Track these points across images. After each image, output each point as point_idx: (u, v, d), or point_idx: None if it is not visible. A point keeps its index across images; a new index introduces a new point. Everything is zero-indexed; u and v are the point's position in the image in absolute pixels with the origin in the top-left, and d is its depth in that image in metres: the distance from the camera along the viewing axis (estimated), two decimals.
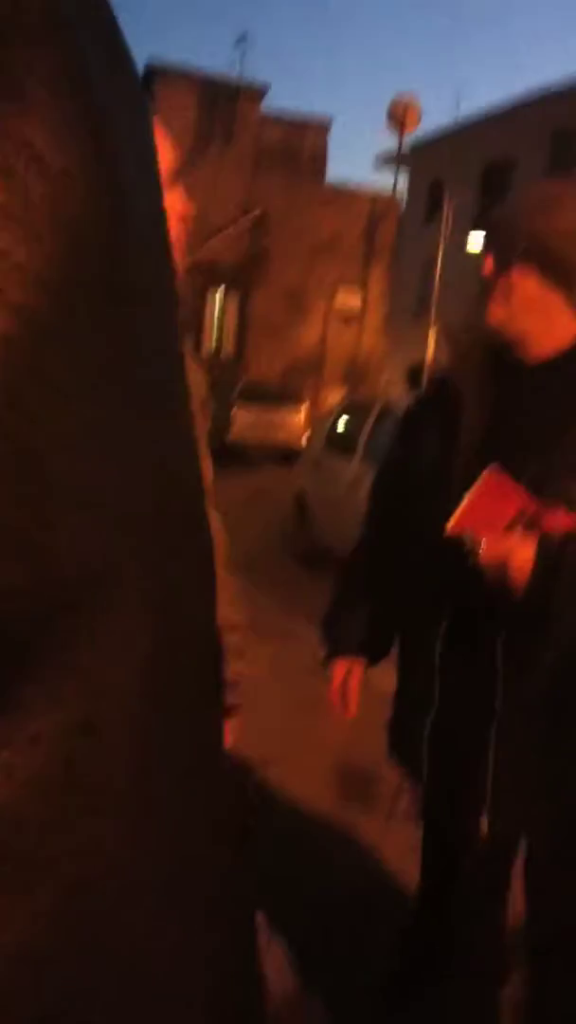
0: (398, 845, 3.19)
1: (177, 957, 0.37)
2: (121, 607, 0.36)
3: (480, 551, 1.64)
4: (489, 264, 1.79)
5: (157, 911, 0.37)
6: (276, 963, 2.61)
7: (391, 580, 1.99)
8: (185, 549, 0.41)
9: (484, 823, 1.78)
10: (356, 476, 8.01)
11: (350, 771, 3.95)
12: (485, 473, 1.68)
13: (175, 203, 1.52)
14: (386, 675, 2.01)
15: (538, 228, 1.73)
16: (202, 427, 1.50)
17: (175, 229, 1.53)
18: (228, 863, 0.42)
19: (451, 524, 1.66)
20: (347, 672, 2.09)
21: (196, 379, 1.47)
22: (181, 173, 1.54)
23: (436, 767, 1.87)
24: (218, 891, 0.41)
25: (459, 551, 1.67)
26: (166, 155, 1.53)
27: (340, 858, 3.36)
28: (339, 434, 9.35)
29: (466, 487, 1.69)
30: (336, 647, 2.10)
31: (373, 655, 2.11)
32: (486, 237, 1.82)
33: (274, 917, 2.87)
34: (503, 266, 1.77)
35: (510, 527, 1.66)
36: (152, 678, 0.37)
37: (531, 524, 1.65)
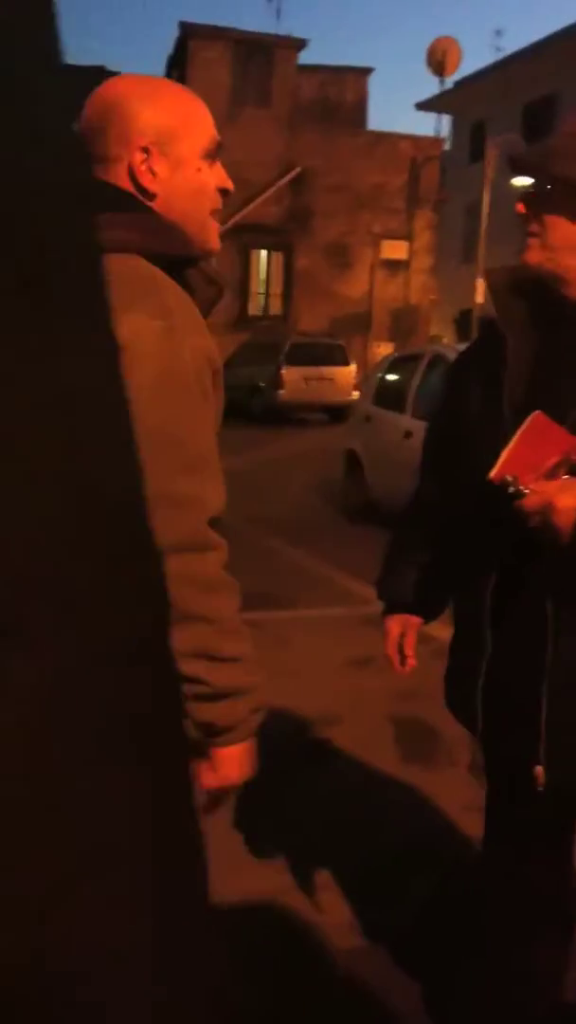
0: (465, 799, 3.17)
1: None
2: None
3: (522, 497, 1.62)
4: (521, 205, 1.76)
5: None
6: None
7: (445, 533, 1.97)
8: (112, 575, 0.37)
9: (540, 772, 1.76)
10: (407, 429, 7.94)
11: (411, 726, 3.94)
12: (529, 418, 1.65)
13: (216, 177, 1.53)
14: (447, 627, 1.99)
15: (570, 166, 1.70)
16: (217, 401, 1.48)
17: (215, 201, 1.54)
18: None
19: (494, 470, 1.64)
20: (403, 627, 2.08)
21: (210, 348, 1.45)
22: (219, 135, 1.57)
23: (491, 718, 1.85)
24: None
25: (506, 499, 1.64)
26: (208, 129, 1.53)
27: (402, 814, 3.36)
28: (388, 388, 9.27)
29: (513, 432, 1.66)
30: (391, 603, 2.09)
31: (429, 611, 2.10)
32: (522, 175, 1.80)
33: (334, 872, 2.88)
34: (537, 205, 1.74)
35: (554, 472, 1.63)
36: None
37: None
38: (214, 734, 1.45)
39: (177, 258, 1.46)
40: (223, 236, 1.68)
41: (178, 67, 23.70)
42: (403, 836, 3.19)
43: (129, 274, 1.37)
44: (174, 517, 1.33)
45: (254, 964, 2.37)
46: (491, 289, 1.87)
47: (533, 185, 1.76)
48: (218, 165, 1.54)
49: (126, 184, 1.47)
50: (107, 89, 1.51)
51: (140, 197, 1.47)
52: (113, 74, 1.62)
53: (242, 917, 2.66)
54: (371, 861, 3.01)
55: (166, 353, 1.36)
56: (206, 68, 22.92)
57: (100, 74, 1.77)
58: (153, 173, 1.47)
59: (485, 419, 1.78)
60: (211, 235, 1.55)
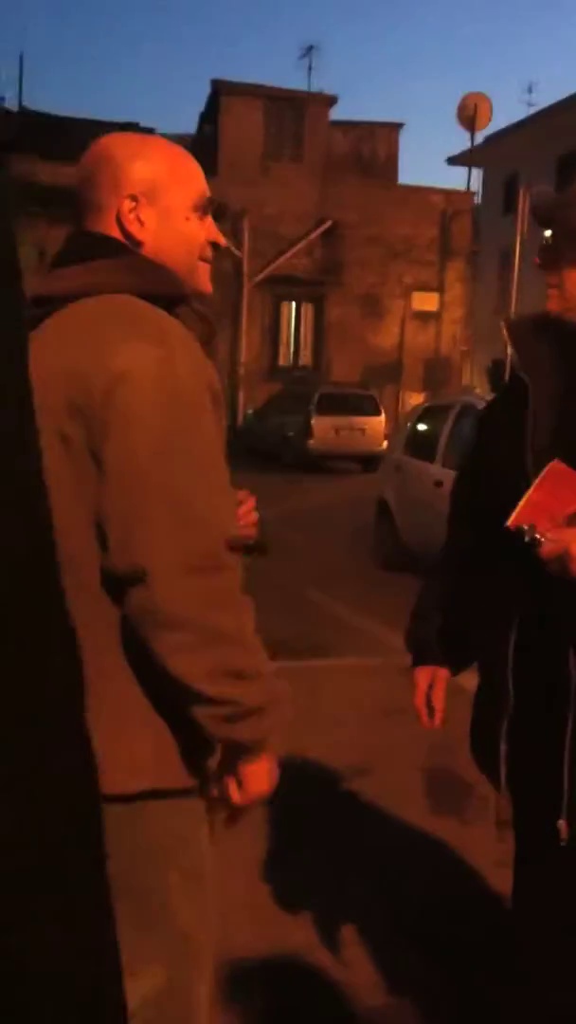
0: (499, 855, 3.12)
1: None
2: None
3: (540, 545, 1.61)
4: (538, 257, 1.78)
5: None
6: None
7: (474, 585, 1.95)
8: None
9: (563, 826, 1.73)
10: (438, 478, 7.92)
11: (443, 778, 3.88)
12: (547, 466, 1.65)
13: (207, 231, 1.58)
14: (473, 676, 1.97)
15: None
16: (220, 423, 1.49)
17: (205, 251, 1.59)
18: None
19: (511, 518, 1.63)
20: (431, 679, 2.05)
21: (209, 372, 1.47)
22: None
23: (514, 772, 1.83)
24: None
25: (527, 548, 1.63)
26: (198, 183, 1.58)
27: (432, 868, 3.30)
28: (420, 437, 9.28)
29: (533, 481, 1.67)
30: (419, 654, 2.07)
31: (458, 662, 2.07)
32: (545, 226, 1.81)
33: (362, 927, 2.83)
34: (553, 256, 1.76)
35: (572, 520, 1.62)
36: None
37: None
38: (241, 751, 1.44)
39: (168, 296, 1.49)
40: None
41: (211, 122, 24.12)
42: (432, 891, 3.13)
43: (123, 310, 1.42)
44: (192, 536, 1.34)
45: (281, 1022, 2.33)
46: (511, 337, 1.87)
47: (551, 236, 1.77)
48: (209, 220, 1.59)
49: (115, 231, 1.52)
50: (101, 143, 1.57)
51: (127, 243, 1.52)
52: (147, 130, 1.68)
53: (269, 972, 2.62)
54: (399, 916, 2.96)
55: (168, 375, 1.38)
56: (239, 124, 23.30)
57: (134, 130, 1.83)
58: (141, 222, 1.52)
59: (509, 466, 1.77)
60: (201, 278, 1.60)
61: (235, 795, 1.48)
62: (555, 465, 1.65)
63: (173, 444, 1.35)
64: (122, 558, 1.33)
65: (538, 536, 1.61)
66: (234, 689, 1.36)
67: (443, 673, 2.06)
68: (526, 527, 1.62)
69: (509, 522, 1.64)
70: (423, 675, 2.05)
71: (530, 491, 1.64)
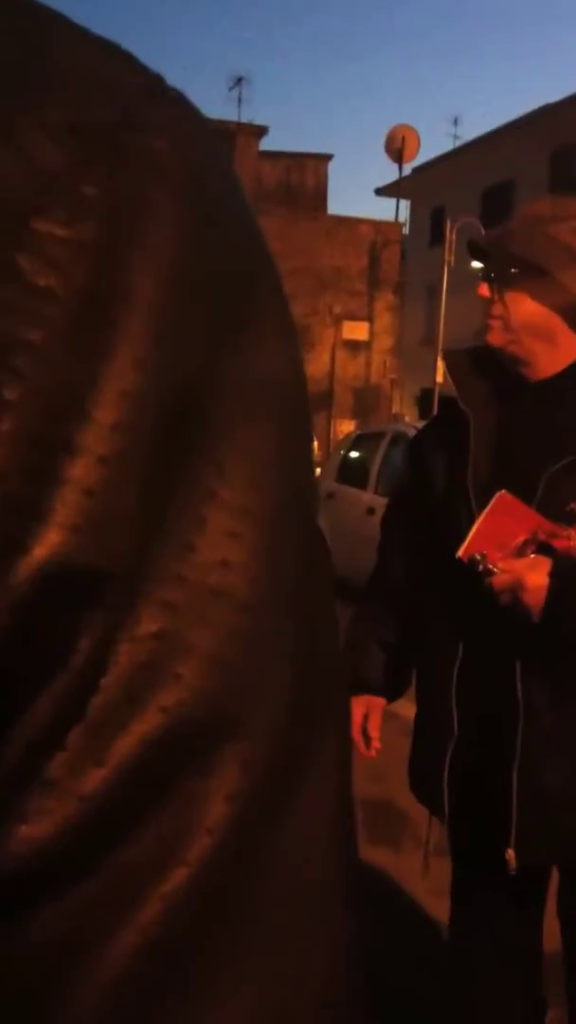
0: (433, 883, 3.11)
1: None
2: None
3: (491, 575, 1.61)
4: (484, 288, 1.78)
5: None
6: None
7: (407, 612, 1.95)
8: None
9: (511, 856, 1.73)
10: (369, 505, 7.98)
11: (379, 808, 3.87)
12: (495, 497, 1.65)
13: None
14: (413, 705, 1.97)
15: (529, 249, 1.72)
16: None
17: None
18: None
19: (462, 549, 1.63)
20: (366, 709, 2.05)
21: None
22: None
23: (458, 801, 1.82)
24: None
25: (472, 577, 1.64)
26: None
27: (371, 901, 3.28)
28: (351, 465, 9.34)
29: (478, 510, 1.67)
30: (354, 684, 2.06)
31: (393, 691, 2.08)
32: (481, 260, 1.83)
33: None
34: (499, 289, 1.76)
35: (522, 550, 1.63)
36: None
37: (543, 547, 1.63)
38: None
39: None
40: None
41: None
42: (370, 922, 3.11)
43: None
44: None
45: None
46: (450, 370, 1.88)
47: (494, 267, 1.78)
48: None
49: None
50: None
51: None
52: None
53: None
54: None
55: None
56: None
57: None
58: None
59: (450, 497, 1.78)
60: None
61: None
62: (503, 496, 1.65)
63: None
64: None
65: (490, 566, 1.61)
66: None
67: (378, 702, 2.06)
68: (478, 556, 1.62)
69: (460, 552, 1.64)
70: (358, 705, 2.05)
71: (479, 521, 1.64)
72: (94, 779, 0.26)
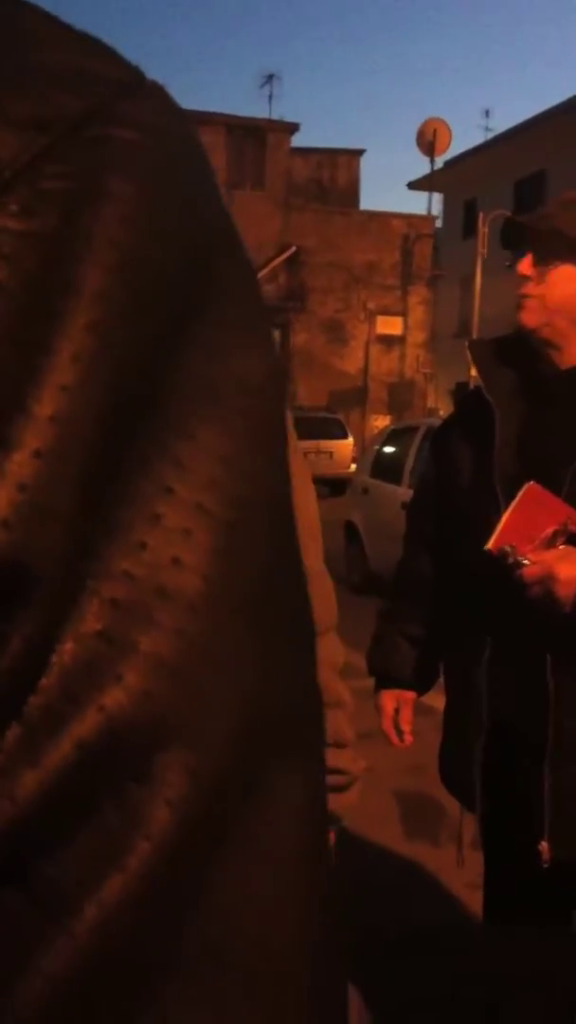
0: (469, 876, 3.11)
1: None
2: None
3: (522, 567, 1.60)
4: (525, 264, 1.75)
5: None
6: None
7: (433, 605, 1.95)
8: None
9: (545, 849, 1.72)
10: (403, 501, 7.95)
11: (417, 801, 3.88)
12: (523, 488, 1.65)
13: None
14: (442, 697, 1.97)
15: (569, 224, 1.70)
16: None
17: None
18: None
19: (491, 541, 1.63)
20: (397, 703, 2.05)
21: None
22: None
23: (491, 794, 1.81)
24: None
25: (500, 569, 1.63)
26: None
27: (408, 894, 3.29)
28: (386, 460, 9.32)
29: (505, 503, 1.66)
30: (383, 678, 2.06)
31: (423, 684, 2.07)
32: (521, 239, 1.79)
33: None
34: (539, 267, 1.74)
35: (552, 541, 1.62)
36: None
37: (573, 537, 1.62)
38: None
39: None
40: None
41: None
42: (406, 915, 3.12)
43: None
44: (330, 598, 1.32)
45: None
46: (474, 361, 1.87)
47: (535, 246, 1.75)
48: None
49: None
50: None
51: None
52: None
53: None
54: (373, 940, 2.95)
55: None
56: None
57: None
58: None
59: (476, 489, 1.77)
60: None
61: None
62: (531, 487, 1.64)
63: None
64: None
65: (520, 558, 1.60)
66: (341, 758, 1.34)
67: (408, 695, 2.06)
68: (508, 548, 1.61)
69: (489, 544, 1.63)
70: (388, 699, 2.05)
71: (507, 513, 1.63)
72: (28, 781, 0.25)
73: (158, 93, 0.31)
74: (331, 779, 1.34)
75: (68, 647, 0.26)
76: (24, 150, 0.26)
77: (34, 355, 0.26)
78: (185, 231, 0.29)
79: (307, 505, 1.30)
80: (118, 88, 0.29)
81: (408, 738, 2.04)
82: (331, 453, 18.49)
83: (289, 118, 36.35)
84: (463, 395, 1.96)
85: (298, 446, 1.34)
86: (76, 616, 0.26)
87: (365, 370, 25.00)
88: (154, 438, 0.27)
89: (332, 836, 1.48)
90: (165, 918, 0.27)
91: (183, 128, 0.31)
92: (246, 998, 0.28)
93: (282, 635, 0.31)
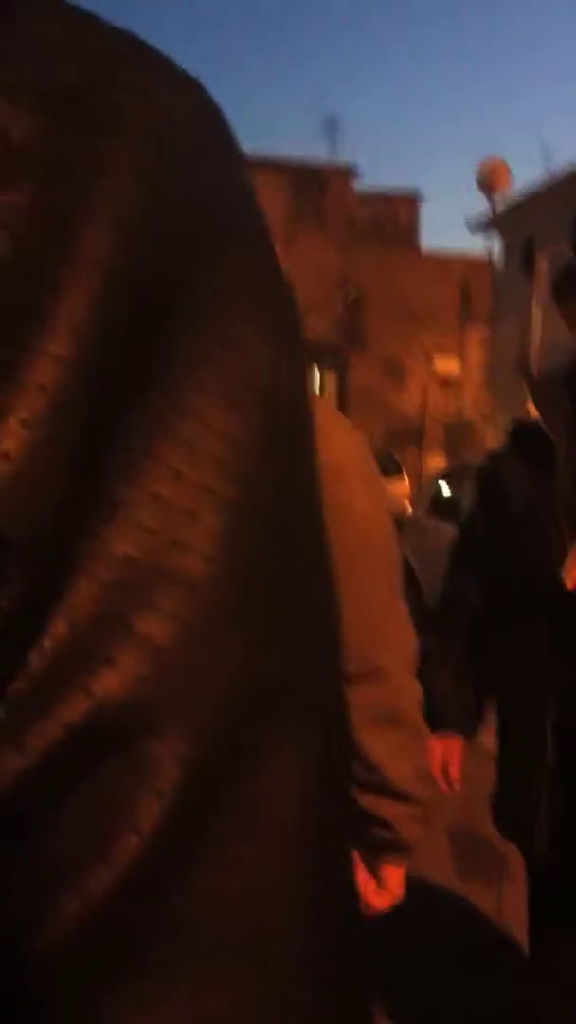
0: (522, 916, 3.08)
1: None
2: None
3: None
4: None
5: None
6: None
7: (480, 644, 1.93)
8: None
9: None
10: None
11: (471, 840, 3.85)
12: None
13: None
14: (490, 733, 1.95)
15: None
16: None
17: None
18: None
19: (571, 579, 1.60)
20: (446, 746, 2.03)
21: None
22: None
23: (552, 841, 1.76)
24: None
25: (569, 606, 1.60)
26: None
27: (458, 932, 3.26)
28: (443, 499, 9.31)
29: (570, 540, 1.63)
30: (429, 723, 2.05)
31: (469, 726, 2.05)
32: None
33: (392, 991, 2.80)
34: None
35: None
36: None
37: None
38: (398, 853, 1.43)
39: None
40: None
41: None
42: (458, 955, 3.09)
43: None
44: (410, 637, 1.37)
45: None
46: (533, 394, 1.85)
47: None
48: None
49: None
50: None
51: None
52: None
53: None
54: (423, 981, 2.93)
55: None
56: (262, 195, 23.52)
57: None
58: None
59: (536, 525, 1.74)
60: None
61: (375, 898, 1.45)
62: None
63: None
64: (361, 657, 1.28)
65: None
66: (425, 790, 1.38)
67: (456, 742, 2.03)
68: None
69: (570, 583, 1.60)
70: (436, 743, 2.01)
71: None
72: (11, 766, 0.24)
73: (158, 61, 0.30)
74: (417, 811, 1.36)
75: (59, 629, 0.25)
76: (18, 118, 0.25)
77: (26, 323, 0.25)
78: (189, 200, 0.28)
79: (367, 520, 1.33)
80: (117, 57, 0.28)
81: (456, 785, 2.02)
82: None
83: (350, 160, 36.77)
84: (516, 431, 1.96)
85: (374, 471, 1.37)
86: (69, 597, 0.25)
87: (422, 409, 24.97)
88: (154, 413, 0.26)
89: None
90: (151, 910, 0.25)
91: (189, 96, 0.30)
92: (237, 980, 0.27)
93: (291, 620, 0.29)
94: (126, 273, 0.26)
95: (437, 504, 9.42)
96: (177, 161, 0.28)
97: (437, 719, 2.01)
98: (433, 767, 2.02)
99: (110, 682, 0.25)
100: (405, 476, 19.41)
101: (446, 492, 9.38)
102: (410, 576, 9.53)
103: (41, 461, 0.24)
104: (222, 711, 0.26)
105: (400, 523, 14.30)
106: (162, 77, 0.29)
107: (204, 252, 0.28)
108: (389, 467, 19.07)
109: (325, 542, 0.32)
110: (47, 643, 0.24)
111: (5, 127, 0.25)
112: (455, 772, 2.03)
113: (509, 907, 3.24)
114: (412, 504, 12.51)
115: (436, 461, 21.55)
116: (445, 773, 2.04)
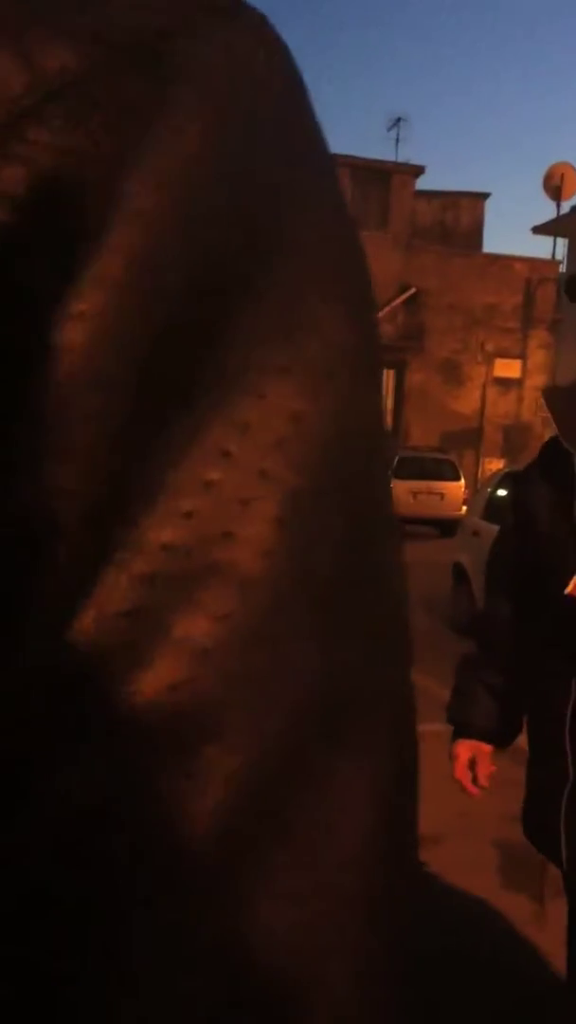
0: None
1: None
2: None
3: None
4: None
5: None
6: None
7: (515, 654, 1.91)
8: None
9: None
10: None
11: (516, 852, 3.80)
12: None
13: None
14: None
15: None
16: None
17: None
18: None
19: (571, 585, 1.60)
20: (472, 753, 2.03)
21: None
22: None
23: (574, 845, 1.76)
24: None
25: None
26: None
27: (499, 946, 3.22)
28: (499, 503, 9.22)
29: None
30: (461, 728, 2.04)
31: (502, 735, 2.04)
32: None
33: (428, 1003, 2.77)
34: None
35: None
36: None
37: None
38: None
39: None
40: None
41: None
42: (499, 970, 3.05)
43: None
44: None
45: None
46: (548, 407, 1.84)
47: None
48: None
49: None
50: None
51: None
52: None
53: None
54: (464, 997, 2.89)
55: None
56: None
57: None
58: None
59: (554, 534, 1.75)
60: None
61: None
62: None
63: None
64: None
65: None
66: None
67: (485, 748, 2.03)
68: None
69: (569, 589, 1.61)
70: (464, 748, 2.03)
71: None
72: None
73: (256, 22, 0.27)
74: None
75: (86, 625, 0.22)
76: (79, 63, 0.23)
77: (60, 277, 0.22)
78: (259, 168, 0.26)
79: None
80: (196, 8, 0.26)
81: (477, 789, 2.01)
82: (442, 495, 18.35)
83: (415, 160, 36.65)
84: (546, 444, 1.94)
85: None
86: (100, 591, 0.22)
87: (481, 412, 24.80)
88: (207, 396, 0.24)
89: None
90: (196, 949, 0.23)
91: (270, 52, 0.27)
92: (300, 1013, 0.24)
93: (357, 622, 0.26)
94: (175, 229, 0.24)
95: (492, 507, 9.33)
96: (251, 126, 0.26)
97: (468, 725, 2.03)
98: (458, 770, 2.02)
99: (143, 689, 0.22)
100: (462, 478, 19.36)
101: (501, 496, 9.29)
102: (461, 577, 9.46)
103: (65, 430, 0.22)
104: (278, 725, 0.24)
105: (454, 526, 14.22)
106: (254, 38, 0.27)
107: (274, 221, 0.26)
108: (446, 470, 19.12)
109: (399, 535, 0.29)
110: (71, 641, 0.22)
111: (52, 69, 0.23)
112: (484, 777, 2.02)
113: (552, 920, 3.20)
114: (468, 507, 12.43)
115: (493, 464, 21.41)
116: (473, 776, 2.03)
